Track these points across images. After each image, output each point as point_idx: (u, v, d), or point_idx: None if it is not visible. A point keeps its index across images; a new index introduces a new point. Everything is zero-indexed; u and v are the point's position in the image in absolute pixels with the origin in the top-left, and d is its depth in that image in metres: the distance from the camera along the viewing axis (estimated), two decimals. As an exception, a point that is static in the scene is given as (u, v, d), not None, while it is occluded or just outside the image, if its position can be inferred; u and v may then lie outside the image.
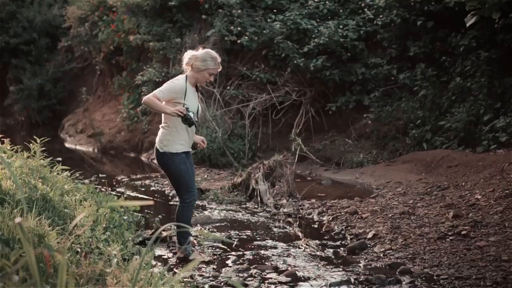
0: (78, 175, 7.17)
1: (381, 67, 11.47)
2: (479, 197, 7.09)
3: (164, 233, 6.26)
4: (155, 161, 12.40)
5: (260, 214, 7.74)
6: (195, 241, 6.22)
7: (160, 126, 5.64)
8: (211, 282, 5.01)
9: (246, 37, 11.80)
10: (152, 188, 9.56)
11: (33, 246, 2.98)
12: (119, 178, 10.49)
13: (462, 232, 6.06)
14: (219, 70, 5.63)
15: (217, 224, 7.18)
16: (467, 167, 8.52)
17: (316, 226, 7.16)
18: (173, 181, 5.67)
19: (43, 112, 17.93)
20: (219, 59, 5.58)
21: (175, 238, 6.31)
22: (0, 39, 18.12)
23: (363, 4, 12.11)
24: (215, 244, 6.20)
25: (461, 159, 8.94)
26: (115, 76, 15.54)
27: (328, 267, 5.49)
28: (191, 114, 5.40)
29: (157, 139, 5.59)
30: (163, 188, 9.48)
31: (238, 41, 11.89)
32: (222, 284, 4.98)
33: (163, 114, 5.57)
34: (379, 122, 11.05)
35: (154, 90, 13.76)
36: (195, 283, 4.92)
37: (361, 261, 5.64)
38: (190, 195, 5.57)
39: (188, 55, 5.57)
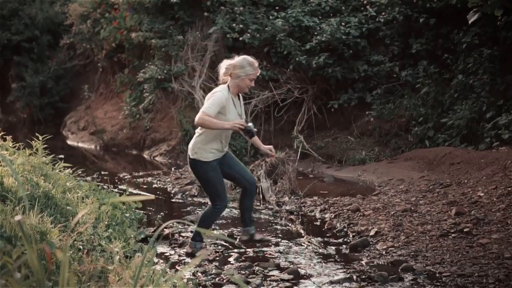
0: (80, 172, 7.18)
1: (383, 64, 11.45)
2: (482, 194, 7.08)
3: (166, 231, 6.27)
4: (157, 158, 12.47)
5: (262, 211, 7.74)
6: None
7: (195, 133, 5.62)
8: (213, 280, 5.01)
9: (248, 34, 11.79)
10: (154, 186, 9.57)
11: (35, 243, 2.98)
12: (121, 176, 10.49)
13: (465, 230, 6.05)
14: (258, 74, 5.59)
15: (219, 222, 7.17)
16: (470, 164, 8.51)
17: (318, 223, 7.16)
18: (204, 187, 5.76)
19: (45, 109, 17.93)
20: (256, 63, 5.55)
21: (177, 236, 6.32)
22: (2, 36, 18.11)
23: (365, 1, 12.09)
24: (217, 241, 6.20)
25: (463, 156, 8.92)
26: (117, 74, 15.54)
27: (330, 264, 5.49)
28: (250, 125, 5.36)
29: (189, 145, 5.59)
30: (165, 186, 9.48)
31: (240, 38, 11.87)
32: (224, 281, 4.98)
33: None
34: (381, 119, 11.04)
35: (155, 87, 13.73)
36: (197, 280, 4.92)
37: (363, 259, 5.63)
38: (221, 201, 5.57)
39: (224, 65, 5.54)
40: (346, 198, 8.12)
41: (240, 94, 5.68)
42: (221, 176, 5.58)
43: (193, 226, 6.62)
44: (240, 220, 6.07)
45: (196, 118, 5.35)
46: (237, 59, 5.52)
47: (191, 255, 5.61)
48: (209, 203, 5.72)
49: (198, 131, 5.57)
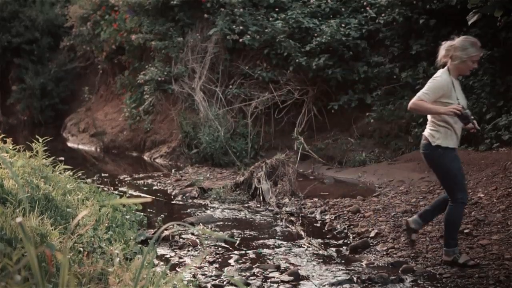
0: (80, 174, 7.17)
1: (384, 65, 11.45)
2: (482, 195, 7.07)
3: (166, 233, 6.27)
4: (157, 160, 12.47)
5: (263, 213, 7.74)
6: (197, 240, 6.22)
7: (428, 123, 5.36)
8: (214, 281, 5.01)
9: (248, 36, 11.80)
10: (154, 187, 9.57)
11: (35, 246, 2.99)
12: (121, 178, 10.50)
13: (465, 231, 6.05)
14: (481, 55, 5.29)
15: (220, 223, 7.18)
16: (470, 165, 8.51)
17: (318, 225, 7.16)
18: (443, 178, 5.31)
19: (46, 111, 17.94)
20: (479, 43, 5.25)
21: (177, 238, 6.31)
22: (2, 38, 18.13)
23: (365, 3, 12.08)
24: (217, 243, 6.20)
25: (463, 157, 8.90)
26: (117, 75, 15.55)
27: (330, 266, 5.49)
28: (468, 111, 5.09)
29: (426, 135, 5.33)
30: (166, 187, 9.48)
31: (240, 40, 11.88)
32: (224, 283, 4.98)
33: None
34: (382, 120, 11.03)
35: (156, 89, 13.75)
36: (198, 282, 4.92)
37: (363, 260, 5.63)
38: (462, 193, 5.19)
39: (444, 47, 5.31)
40: (346, 199, 8.12)
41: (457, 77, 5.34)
42: (462, 168, 5.25)
43: (193, 228, 6.62)
44: (423, 210, 5.65)
45: (410, 103, 5.16)
46: (458, 39, 5.24)
47: (453, 263, 5.24)
48: (448, 198, 5.28)
49: (431, 120, 5.29)
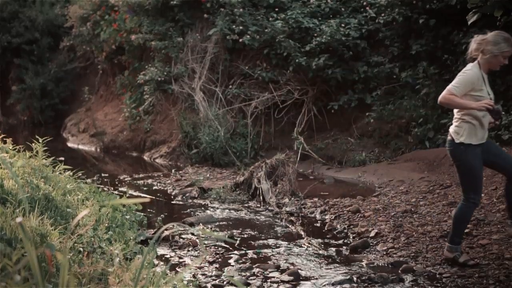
0: (80, 174, 7.18)
1: (383, 65, 11.45)
2: (482, 195, 7.07)
3: (166, 232, 6.27)
4: (157, 160, 12.48)
5: (263, 213, 7.74)
6: (197, 241, 6.22)
7: (454, 118, 5.30)
8: (214, 281, 5.01)
9: (248, 36, 11.80)
10: (154, 187, 9.57)
11: (35, 246, 2.99)
12: (121, 178, 10.50)
13: (465, 230, 6.05)
14: None
15: (220, 223, 7.18)
16: (470, 165, 8.50)
17: (318, 225, 7.16)
18: (463, 176, 5.29)
19: (46, 111, 17.94)
20: None
21: (177, 238, 6.31)
22: (2, 38, 18.13)
23: (364, 3, 12.08)
24: (217, 243, 6.21)
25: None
26: (117, 76, 15.55)
27: (330, 265, 5.49)
28: (499, 107, 5.05)
29: (451, 131, 5.28)
30: (166, 188, 9.48)
31: (240, 40, 11.88)
32: (224, 283, 4.98)
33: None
34: (382, 120, 11.03)
35: (155, 89, 13.72)
36: (198, 282, 4.92)
37: (363, 260, 5.64)
38: (476, 195, 5.22)
39: (476, 40, 5.22)
40: (346, 199, 8.12)
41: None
42: (482, 168, 5.23)
43: (193, 228, 6.62)
44: (507, 212, 5.63)
45: (440, 97, 5.11)
46: (491, 34, 5.17)
47: (453, 261, 5.28)
48: (461, 197, 5.35)
49: (457, 116, 5.24)
